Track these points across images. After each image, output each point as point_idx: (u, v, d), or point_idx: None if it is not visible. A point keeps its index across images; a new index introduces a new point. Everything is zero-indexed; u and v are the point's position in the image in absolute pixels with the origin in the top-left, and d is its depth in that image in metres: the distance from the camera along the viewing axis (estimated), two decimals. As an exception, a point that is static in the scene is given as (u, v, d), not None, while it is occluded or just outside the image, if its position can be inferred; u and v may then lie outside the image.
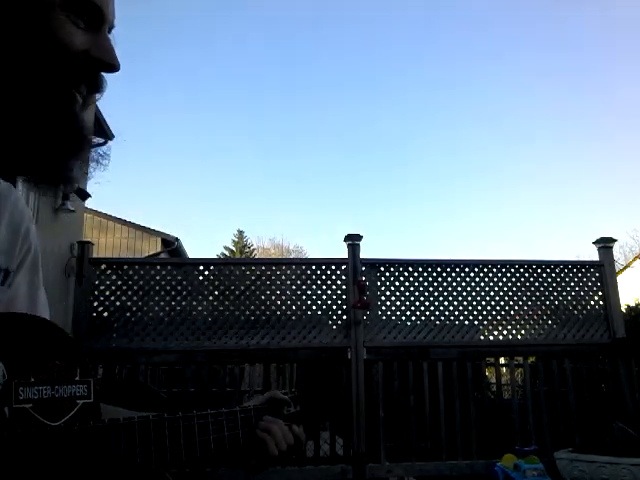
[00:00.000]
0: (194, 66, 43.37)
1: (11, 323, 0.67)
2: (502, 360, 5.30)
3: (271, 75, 44.64)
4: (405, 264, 5.18)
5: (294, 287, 5.01)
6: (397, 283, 5.12)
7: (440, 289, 5.15)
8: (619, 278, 5.94)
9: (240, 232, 31.44)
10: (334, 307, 4.99)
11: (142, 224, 13.75)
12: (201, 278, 4.95)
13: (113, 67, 0.69)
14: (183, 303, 4.84)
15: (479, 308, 5.15)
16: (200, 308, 4.86)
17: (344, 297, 5.00)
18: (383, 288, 5.09)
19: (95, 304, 4.77)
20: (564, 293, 5.27)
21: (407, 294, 5.09)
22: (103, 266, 4.91)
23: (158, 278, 4.87)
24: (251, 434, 0.88)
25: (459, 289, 5.17)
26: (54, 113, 0.65)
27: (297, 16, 42.19)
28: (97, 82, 0.70)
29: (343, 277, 5.05)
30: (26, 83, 0.63)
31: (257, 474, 0.90)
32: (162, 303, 4.82)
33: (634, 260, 17.78)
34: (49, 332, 0.70)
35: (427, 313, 5.08)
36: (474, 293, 5.18)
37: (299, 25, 43.06)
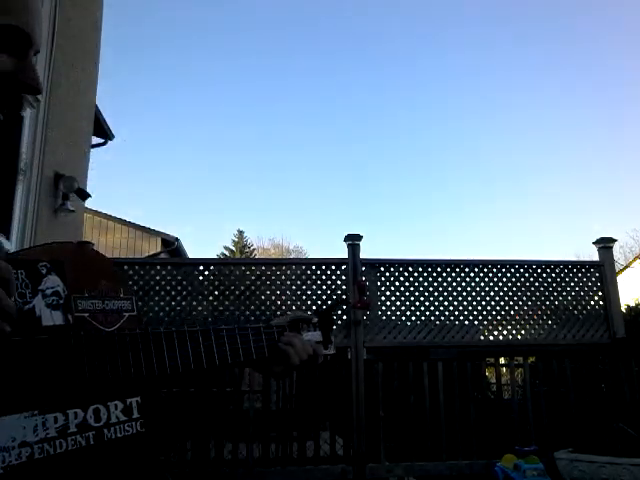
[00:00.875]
0: (195, 63, 43.38)
1: (66, 250, 0.83)
2: (502, 360, 5.29)
3: (271, 75, 44.64)
4: (405, 264, 5.18)
5: (294, 287, 5.01)
6: (397, 283, 5.12)
7: (440, 289, 5.15)
8: (619, 278, 5.95)
9: (240, 232, 31.45)
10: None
11: (142, 224, 13.76)
12: (201, 278, 4.95)
13: (37, 90, 0.75)
14: (183, 303, 4.84)
15: (479, 308, 5.15)
16: (200, 308, 4.86)
17: (344, 297, 4.99)
18: (383, 288, 5.09)
19: (95, 304, 4.76)
20: (564, 293, 5.27)
21: (407, 294, 5.09)
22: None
23: (158, 278, 4.87)
24: (274, 346, 0.98)
25: (459, 289, 5.17)
26: None
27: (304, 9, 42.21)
28: (19, 102, 0.79)
29: (343, 277, 5.05)
30: None
31: (281, 379, 1.01)
32: (162, 303, 4.82)
33: (634, 260, 17.78)
34: (96, 258, 0.86)
35: (427, 313, 5.08)
36: (474, 293, 5.18)
37: (298, 16, 43.08)
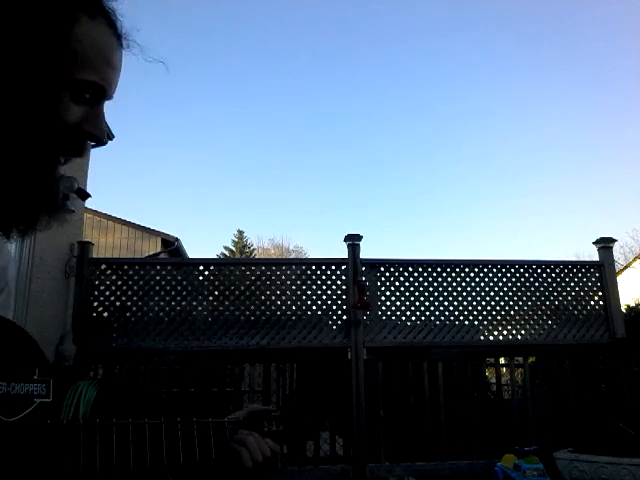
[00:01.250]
0: (198, 60, 43.36)
1: None
2: (502, 360, 5.30)
3: (272, 74, 44.66)
4: (405, 264, 5.18)
5: (294, 287, 5.01)
6: (397, 283, 5.12)
7: (440, 289, 5.15)
8: (619, 278, 5.95)
9: (240, 232, 31.44)
10: (334, 307, 4.99)
11: (142, 224, 13.75)
12: (201, 278, 4.95)
13: (99, 141, 0.76)
14: (183, 303, 4.85)
15: (479, 308, 5.15)
16: (200, 308, 4.86)
17: (344, 297, 5.00)
18: (383, 288, 5.09)
19: (95, 304, 4.77)
20: (564, 293, 5.27)
21: (407, 294, 5.09)
22: (103, 266, 4.91)
23: (158, 278, 4.87)
24: (224, 445, 0.84)
25: (459, 289, 5.17)
26: (35, 178, 0.71)
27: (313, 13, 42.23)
28: (82, 149, 0.76)
29: (343, 277, 5.05)
30: (16, 149, 0.69)
31: None
32: (162, 303, 4.82)
33: (634, 260, 17.78)
34: (8, 331, 0.71)
35: (427, 313, 5.08)
36: (474, 293, 5.18)
37: (299, 15, 43.09)
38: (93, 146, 0.79)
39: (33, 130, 0.69)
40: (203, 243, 41.84)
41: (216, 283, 4.94)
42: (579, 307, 5.26)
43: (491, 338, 5.17)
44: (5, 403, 0.66)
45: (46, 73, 0.69)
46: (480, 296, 5.18)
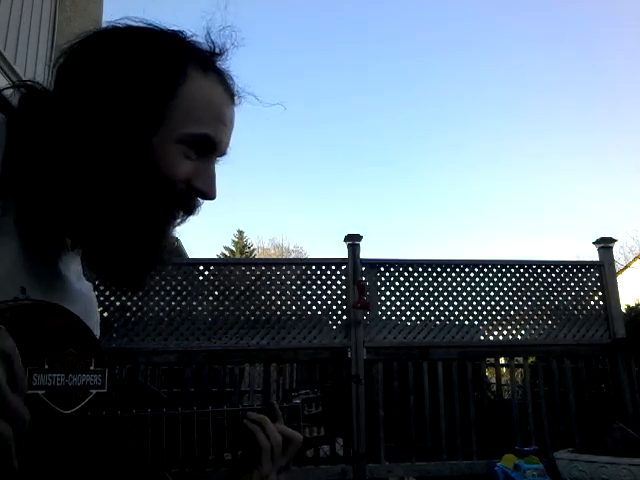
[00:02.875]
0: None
1: (29, 311, 0.68)
2: (502, 360, 5.30)
3: (271, 74, 44.67)
4: (405, 264, 5.18)
5: (294, 287, 5.01)
6: (397, 283, 5.12)
7: (440, 289, 5.15)
8: (619, 278, 5.95)
9: (240, 232, 31.44)
10: (334, 307, 4.99)
11: (142, 224, 13.75)
12: (201, 278, 4.95)
13: (209, 197, 0.76)
14: (183, 303, 4.84)
15: (479, 308, 5.15)
16: (200, 308, 4.86)
17: (344, 297, 5.00)
18: (383, 288, 5.09)
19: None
20: (564, 293, 5.27)
21: (407, 294, 5.09)
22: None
23: (158, 278, 4.86)
24: (238, 427, 0.83)
25: (459, 289, 5.17)
26: (144, 234, 0.71)
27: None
28: (192, 206, 0.77)
29: (343, 277, 5.05)
30: (127, 204, 0.69)
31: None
32: (162, 303, 4.82)
33: (634, 260, 17.79)
34: (66, 321, 0.71)
35: (427, 313, 5.08)
36: (474, 293, 5.18)
37: (299, 14, 43.10)
38: (204, 199, 0.79)
39: (142, 184, 0.69)
40: (203, 243, 41.85)
41: (216, 283, 4.94)
42: (579, 307, 5.25)
43: (491, 338, 5.17)
44: (63, 395, 0.67)
45: (155, 127, 0.69)
46: (480, 296, 5.18)
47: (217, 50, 0.78)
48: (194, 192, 0.74)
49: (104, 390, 0.72)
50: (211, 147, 0.75)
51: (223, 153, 0.79)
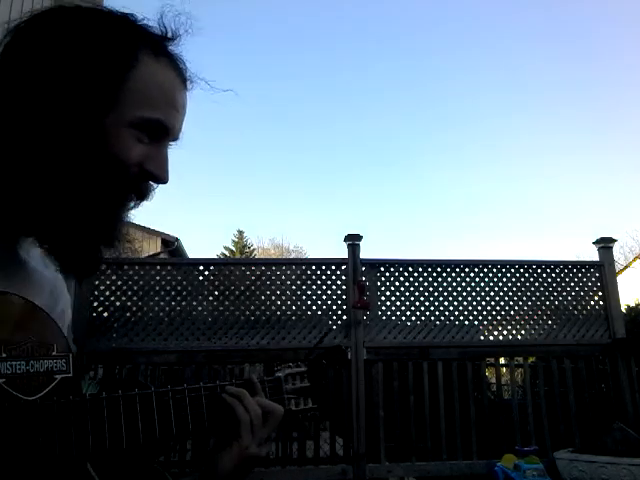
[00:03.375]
0: (195, 61, 43.30)
1: None
2: (502, 360, 5.30)
3: (271, 74, 44.68)
4: (405, 264, 5.18)
5: (294, 287, 5.01)
6: (397, 283, 5.12)
7: (440, 289, 5.15)
8: (619, 278, 5.95)
9: (240, 232, 31.44)
10: (334, 307, 4.99)
11: (142, 224, 13.74)
12: (201, 278, 4.95)
13: (161, 180, 0.77)
14: (183, 303, 4.84)
15: (479, 308, 5.15)
16: (200, 308, 4.86)
17: (344, 297, 5.00)
18: (383, 288, 5.09)
19: (95, 304, 4.77)
20: (564, 293, 5.27)
21: (407, 294, 5.09)
22: (103, 266, 4.91)
23: (158, 278, 4.87)
24: (217, 403, 0.81)
25: (459, 289, 5.17)
26: (99, 217, 0.71)
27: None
28: (145, 190, 0.77)
29: (343, 277, 5.05)
30: (80, 187, 0.69)
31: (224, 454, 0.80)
32: (162, 303, 4.82)
33: (634, 260, 17.79)
34: (23, 308, 0.70)
35: (427, 313, 5.08)
36: (474, 293, 5.18)
37: (299, 15, 43.08)
38: (157, 182, 0.79)
39: (94, 168, 0.69)
40: (203, 243, 41.88)
41: (216, 283, 4.94)
42: (579, 307, 5.25)
43: (491, 338, 5.17)
44: (25, 382, 0.66)
45: (106, 112, 0.69)
46: (480, 296, 5.18)
47: (170, 35, 0.78)
48: (147, 176, 0.74)
49: (70, 374, 0.70)
50: (164, 132, 0.75)
51: (175, 138, 0.79)
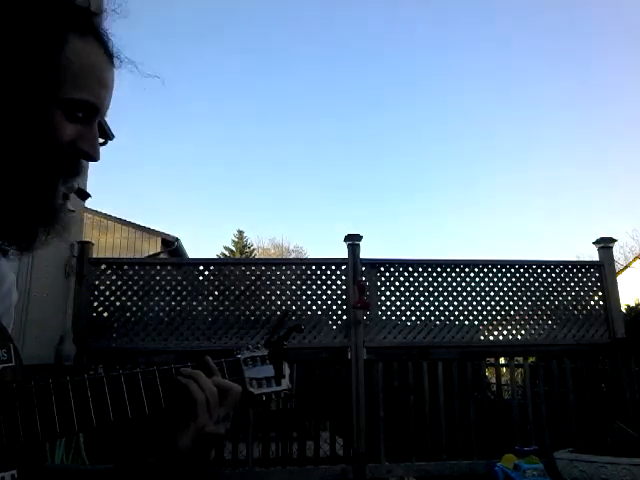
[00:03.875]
0: (195, 62, 43.38)
1: None
2: (502, 360, 5.30)
3: (272, 73, 44.66)
4: (405, 264, 5.18)
5: (294, 287, 5.01)
6: (397, 283, 5.12)
7: (440, 289, 5.15)
8: (619, 278, 5.95)
9: (240, 232, 31.43)
10: (334, 307, 4.99)
11: (142, 224, 13.75)
12: (201, 278, 4.95)
13: (93, 158, 0.76)
14: (183, 303, 4.85)
15: (479, 308, 5.15)
16: (200, 308, 4.86)
17: (344, 297, 5.00)
18: (383, 288, 5.09)
19: (95, 304, 4.77)
20: (564, 293, 5.27)
21: (407, 294, 5.09)
22: (103, 266, 4.91)
23: (158, 278, 4.87)
24: (172, 386, 0.81)
25: (459, 289, 5.17)
26: (33, 193, 0.72)
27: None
28: (76, 168, 0.77)
29: (343, 277, 5.06)
30: (11, 166, 0.69)
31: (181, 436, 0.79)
32: (162, 303, 4.82)
33: (634, 260, 17.78)
34: None
35: (427, 313, 5.08)
36: (474, 293, 5.18)
37: (299, 14, 43.07)
38: (88, 160, 0.79)
39: (27, 148, 0.70)
40: (203, 243, 41.85)
41: (216, 283, 4.94)
42: (579, 307, 5.26)
43: (491, 338, 5.17)
44: None
45: (37, 92, 0.69)
46: (480, 296, 5.18)
47: (95, 9, 0.77)
48: (79, 154, 0.75)
49: (12, 364, 0.70)
50: (94, 111, 0.75)
51: (104, 116, 0.79)
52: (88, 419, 0.71)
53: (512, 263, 5.31)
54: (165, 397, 0.80)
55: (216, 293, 4.92)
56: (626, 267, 17.15)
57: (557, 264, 5.37)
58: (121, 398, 0.75)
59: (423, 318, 5.07)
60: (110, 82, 0.78)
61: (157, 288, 4.84)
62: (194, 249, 40.03)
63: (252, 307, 4.91)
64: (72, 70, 0.71)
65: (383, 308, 5.04)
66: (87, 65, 0.73)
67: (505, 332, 5.15)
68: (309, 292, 5.00)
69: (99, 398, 0.73)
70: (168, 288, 4.85)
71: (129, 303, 4.80)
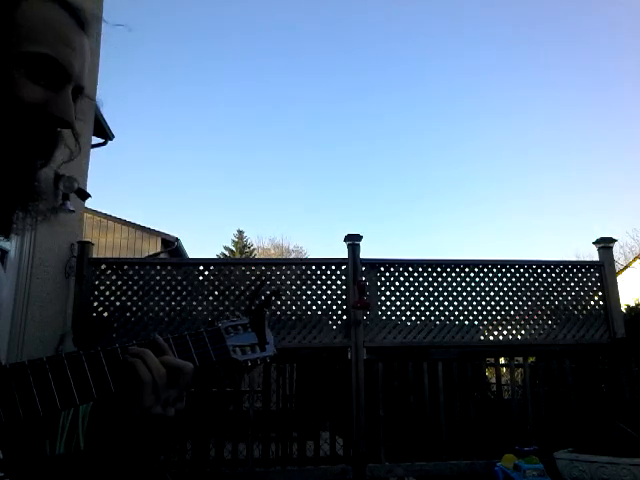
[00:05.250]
0: (200, 61, 43.39)
1: None
2: (502, 360, 5.30)
3: (272, 74, 44.64)
4: (405, 264, 5.18)
5: (294, 287, 5.01)
6: (397, 283, 5.12)
7: (440, 289, 5.15)
8: (619, 278, 5.95)
9: (240, 232, 31.43)
10: (334, 307, 4.99)
11: (142, 224, 13.75)
12: (201, 278, 4.95)
13: (66, 123, 0.71)
14: (183, 303, 4.84)
15: (479, 308, 5.15)
16: (200, 308, 4.86)
17: (344, 297, 4.99)
18: (383, 288, 5.09)
19: (95, 304, 4.77)
20: (564, 293, 5.27)
21: (407, 294, 5.09)
22: (103, 266, 4.91)
23: (158, 278, 4.87)
24: (120, 366, 0.76)
25: (459, 289, 5.17)
26: (7, 167, 0.67)
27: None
28: (53, 136, 0.73)
29: (343, 277, 5.05)
30: None
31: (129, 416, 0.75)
32: (162, 303, 4.82)
33: (634, 260, 17.77)
34: None
35: (427, 313, 5.08)
36: (474, 293, 5.18)
37: (302, 16, 43.05)
38: (62, 127, 0.75)
39: None
40: (203, 243, 41.86)
41: (216, 283, 4.94)
42: (579, 307, 5.25)
43: (491, 338, 5.17)
44: None
45: None
46: (480, 296, 5.18)
47: None
48: (50, 119, 0.70)
49: None
50: (60, 72, 0.70)
51: (78, 84, 0.74)
52: (33, 407, 0.67)
53: (512, 263, 5.31)
54: (113, 379, 0.74)
55: (216, 293, 4.92)
56: (626, 267, 17.13)
57: (557, 264, 5.37)
58: (66, 383, 0.71)
59: (423, 318, 5.06)
60: (79, 45, 0.74)
61: (157, 288, 4.84)
62: (194, 249, 40.01)
63: (252, 307, 4.91)
64: (28, 26, 0.68)
65: (383, 308, 5.04)
66: (45, 21, 0.70)
67: (505, 332, 5.15)
68: (309, 292, 5.00)
69: (44, 386, 0.69)
70: (168, 288, 4.85)
71: (129, 303, 4.80)
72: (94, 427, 0.78)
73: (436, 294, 5.13)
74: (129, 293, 4.82)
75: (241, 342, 0.88)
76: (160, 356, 0.78)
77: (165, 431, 0.79)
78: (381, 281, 5.11)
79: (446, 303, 5.13)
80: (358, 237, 5.11)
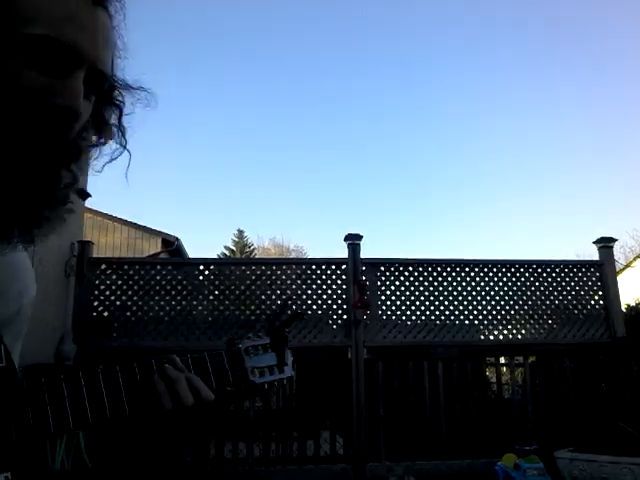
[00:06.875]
0: (199, 61, 43.39)
1: None
2: (502, 359, 5.30)
3: (272, 75, 44.64)
4: (405, 264, 5.18)
5: (294, 287, 5.01)
6: (397, 283, 5.12)
7: (440, 289, 5.15)
8: (619, 278, 5.95)
9: (240, 232, 31.41)
10: (334, 307, 4.99)
11: (142, 224, 13.74)
12: (201, 278, 4.95)
13: (74, 114, 0.63)
14: (183, 303, 4.85)
15: (479, 308, 5.15)
16: (200, 308, 4.86)
17: (344, 297, 5.00)
18: (383, 288, 5.09)
19: (95, 304, 4.77)
20: (564, 293, 5.27)
21: (407, 294, 5.09)
22: (103, 266, 4.91)
23: (158, 278, 4.87)
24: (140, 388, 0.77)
25: (459, 289, 5.17)
26: (12, 163, 0.60)
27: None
28: (66, 133, 0.64)
29: (343, 277, 5.05)
30: None
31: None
32: (162, 303, 4.82)
33: (634, 260, 17.76)
34: None
35: (427, 313, 5.08)
36: (474, 293, 5.18)
37: (301, 16, 43.07)
38: (68, 117, 0.61)
39: None
40: (203, 243, 41.82)
41: (216, 283, 4.94)
42: (579, 307, 5.26)
43: (491, 338, 5.17)
44: None
45: None
46: (480, 296, 5.18)
47: None
48: (57, 110, 0.61)
49: (3, 364, 0.66)
50: (65, 55, 0.60)
51: (96, 68, 0.64)
52: (44, 422, 0.67)
53: (512, 263, 5.31)
54: (129, 402, 0.77)
55: (216, 293, 4.92)
56: (626, 267, 17.12)
57: (557, 264, 5.37)
58: (100, 397, 0.72)
59: (423, 318, 5.07)
60: (88, 22, 0.63)
61: (157, 288, 4.84)
62: (194, 249, 39.98)
63: (252, 307, 4.92)
64: (24, 3, 0.59)
65: (383, 308, 5.04)
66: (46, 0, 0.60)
67: (505, 331, 5.16)
68: (309, 292, 5.00)
69: (77, 399, 0.70)
70: (168, 288, 4.85)
71: (129, 303, 4.80)
72: (97, 436, 0.78)
73: (436, 294, 5.14)
74: (129, 293, 4.82)
75: (260, 364, 0.89)
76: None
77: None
78: (381, 281, 5.11)
79: (446, 303, 5.13)
80: (358, 237, 5.11)
